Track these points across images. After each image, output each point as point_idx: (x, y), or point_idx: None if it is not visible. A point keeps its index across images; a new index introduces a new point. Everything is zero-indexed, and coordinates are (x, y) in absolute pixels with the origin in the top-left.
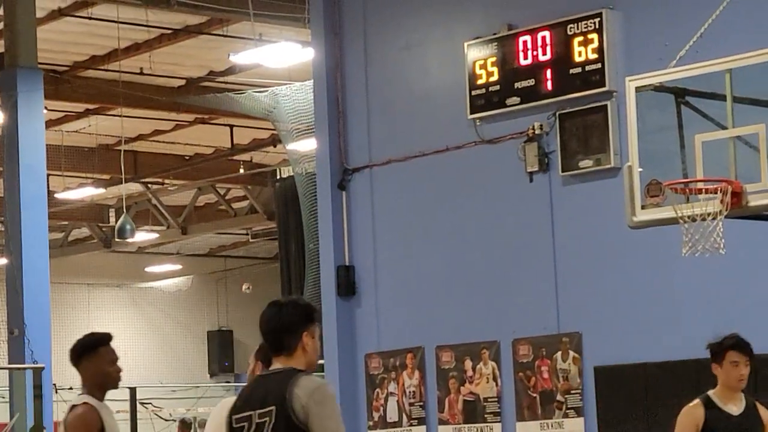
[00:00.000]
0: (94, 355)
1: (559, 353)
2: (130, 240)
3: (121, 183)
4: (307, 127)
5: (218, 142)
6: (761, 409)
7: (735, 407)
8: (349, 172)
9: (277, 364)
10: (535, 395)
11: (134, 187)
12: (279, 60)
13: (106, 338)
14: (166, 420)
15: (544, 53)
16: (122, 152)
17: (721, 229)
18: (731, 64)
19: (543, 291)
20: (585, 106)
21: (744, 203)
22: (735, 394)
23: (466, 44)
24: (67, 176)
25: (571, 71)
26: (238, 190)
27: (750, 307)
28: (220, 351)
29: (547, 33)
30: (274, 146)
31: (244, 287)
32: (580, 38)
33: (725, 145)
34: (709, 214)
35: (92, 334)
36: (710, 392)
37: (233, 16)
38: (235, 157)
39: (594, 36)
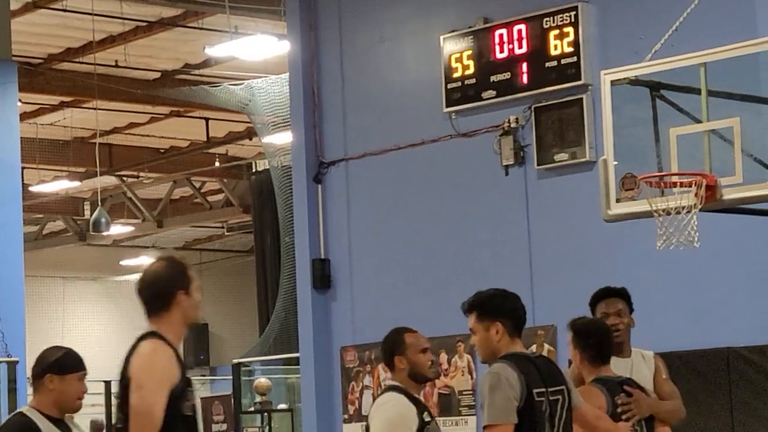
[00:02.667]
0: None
1: (534, 346)
2: (105, 233)
3: (96, 176)
4: (282, 120)
5: (194, 135)
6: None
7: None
8: (325, 166)
9: None
10: None
11: (109, 180)
12: (254, 53)
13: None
14: None
15: (520, 47)
16: (97, 145)
17: (695, 223)
18: (706, 57)
19: (518, 284)
20: (561, 99)
21: (718, 196)
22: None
23: (441, 37)
24: (41, 169)
25: (547, 65)
26: (214, 183)
27: (724, 300)
28: (196, 344)
29: (522, 26)
30: (250, 139)
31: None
32: (556, 32)
33: (700, 139)
34: (683, 208)
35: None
36: None
37: (209, 9)
38: (210, 150)
39: (570, 29)
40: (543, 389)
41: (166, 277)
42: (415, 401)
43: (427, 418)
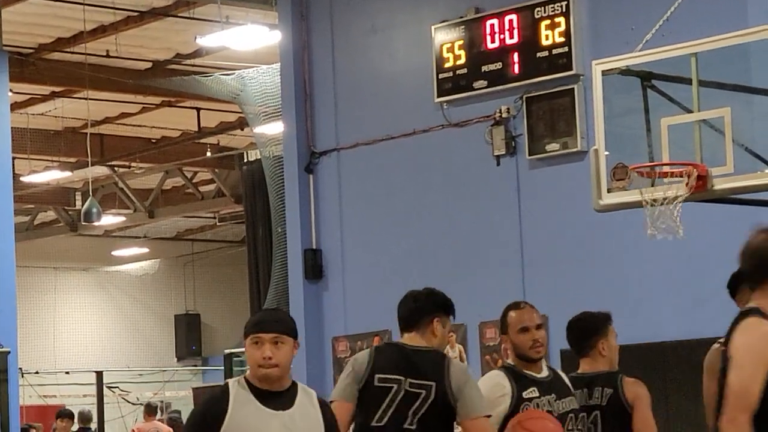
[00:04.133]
0: None
1: None
2: (96, 223)
3: (88, 166)
4: (274, 110)
5: (185, 125)
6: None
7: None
8: (316, 156)
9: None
10: None
11: (100, 171)
12: (246, 43)
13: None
14: (133, 404)
15: (511, 37)
16: (88, 135)
17: (680, 212)
18: (697, 48)
19: (510, 274)
20: (552, 89)
21: (709, 186)
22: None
23: (433, 27)
24: (32, 159)
25: (538, 55)
26: (205, 173)
27: (716, 290)
28: (188, 335)
29: (514, 16)
30: (241, 129)
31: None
32: (547, 22)
33: (691, 129)
34: (674, 198)
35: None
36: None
37: None
38: (202, 141)
39: (561, 20)
40: (396, 377)
41: None
42: (516, 378)
43: (531, 395)
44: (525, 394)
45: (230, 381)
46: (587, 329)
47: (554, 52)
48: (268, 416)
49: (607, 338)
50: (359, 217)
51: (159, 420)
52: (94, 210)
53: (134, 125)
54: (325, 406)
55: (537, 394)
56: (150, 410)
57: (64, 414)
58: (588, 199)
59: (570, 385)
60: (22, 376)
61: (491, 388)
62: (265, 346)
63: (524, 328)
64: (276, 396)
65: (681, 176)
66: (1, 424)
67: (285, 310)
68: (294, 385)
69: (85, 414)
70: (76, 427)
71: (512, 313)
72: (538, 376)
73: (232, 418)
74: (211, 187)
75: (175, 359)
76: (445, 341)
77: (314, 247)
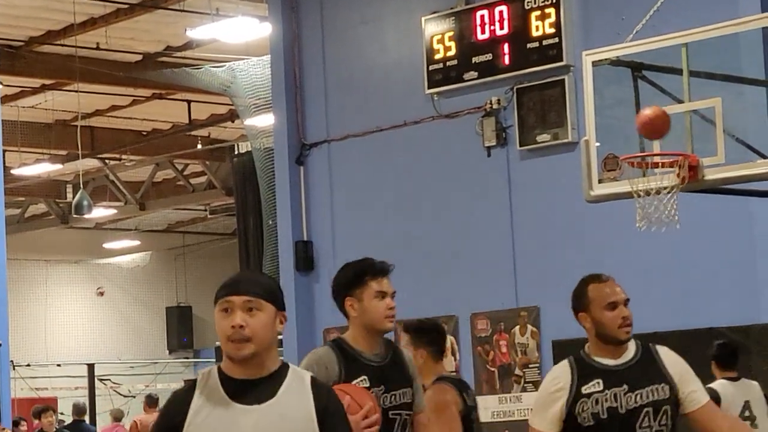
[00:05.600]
0: None
1: (518, 327)
2: (87, 216)
3: (78, 159)
4: (264, 102)
5: (176, 117)
6: None
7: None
8: (307, 147)
9: None
10: (493, 369)
11: (91, 163)
12: (236, 35)
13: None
14: (125, 396)
15: (502, 28)
16: (79, 128)
17: (676, 203)
18: (687, 38)
19: (501, 265)
20: (542, 80)
21: (700, 177)
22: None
23: (423, 19)
24: (23, 152)
25: (529, 46)
26: (196, 165)
27: (706, 280)
28: (179, 327)
29: (504, 7)
30: (232, 121)
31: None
32: (538, 13)
33: (682, 119)
34: (665, 188)
35: None
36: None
37: None
38: (192, 133)
39: (551, 10)
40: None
41: None
42: (581, 368)
43: (592, 390)
44: (585, 389)
45: (203, 372)
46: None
47: (545, 43)
48: (235, 416)
49: None
50: (350, 208)
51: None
52: (85, 202)
53: (125, 118)
54: (321, 392)
55: (600, 388)
56: (151, 402)
57: (45, 410)
58: (579, 190)
59: (666, 367)
60: (14, 369)
61: (549, 382)
62: (235, 312)
63: (612, 304)
64: (252, 386)
65: (672, 167)
66: None
67: None
68: (283, 368)
69: (79, 406)
70: (70, 419)
71: (594, 287)
72: (613, 363)
73: (190, 426)
74: (202, 179)
75: (167, 351)
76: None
77: (305, 238)
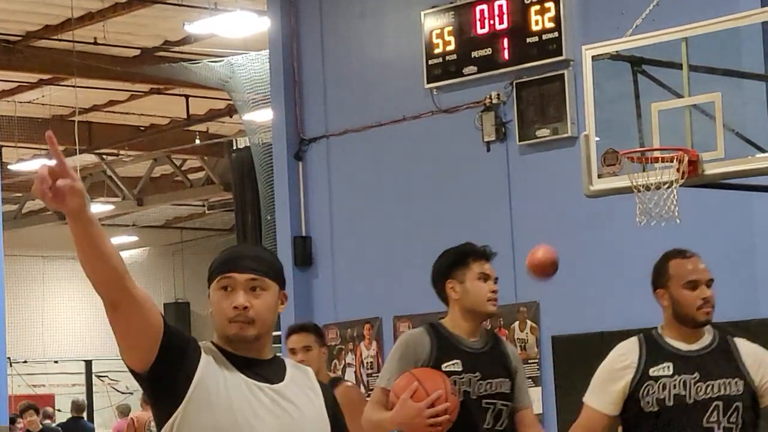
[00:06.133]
0: None
1: (517, 323)
2: None
3: (76, 154)
4: (263, 97)
5: (174, 112)
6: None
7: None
8: (306, 143)
9: None
10: None
11: (89, 159)
12: (234, 29)
13: None
14: (123, 393)
15: (501, 22)
16: (76, 123)
17: (676, 198)
18: (687, 32)
19: (500, 260)
20: (542, 75)
21: (700, 171)
22: None
23: (422, 13)
24: (20, 147)
25: (528, 40)
26: (194, 161)
27: None
28: (177, 323)
29: (504, 2)
30: (230, 117)
31: None
32: (537, 7)
33: (681, 114)
34: (665, 183)
35: None
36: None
37: None
38: (190, 128)
39: (551, 5)
40: None
41: None
42: (651, 348)
43: (660, 373)
44: (653, 371)
45: (200, 342)
46: None
47: (544, 37)
48: (249, 390)
49: None
50: (349, 203)
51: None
52: None
53: (122, 113)
54: (327, 391)
55: (669, 372)
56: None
57: (26, 408)
58: (578, 185)
59: (743, 361)
60: (11, 366)
61: (614, 358)
62: (237, 292)
63: (693, 283)
64: (257, 365)
65: (672, 161)
66: None
67: None
68: (278, 358)
69: (78, 403)
70: (68, 416)
71: (676, 262)
72: (687, 348)
73: (202, 380)
74: (200, 174)
75: None
76: None
77: (304, 234)
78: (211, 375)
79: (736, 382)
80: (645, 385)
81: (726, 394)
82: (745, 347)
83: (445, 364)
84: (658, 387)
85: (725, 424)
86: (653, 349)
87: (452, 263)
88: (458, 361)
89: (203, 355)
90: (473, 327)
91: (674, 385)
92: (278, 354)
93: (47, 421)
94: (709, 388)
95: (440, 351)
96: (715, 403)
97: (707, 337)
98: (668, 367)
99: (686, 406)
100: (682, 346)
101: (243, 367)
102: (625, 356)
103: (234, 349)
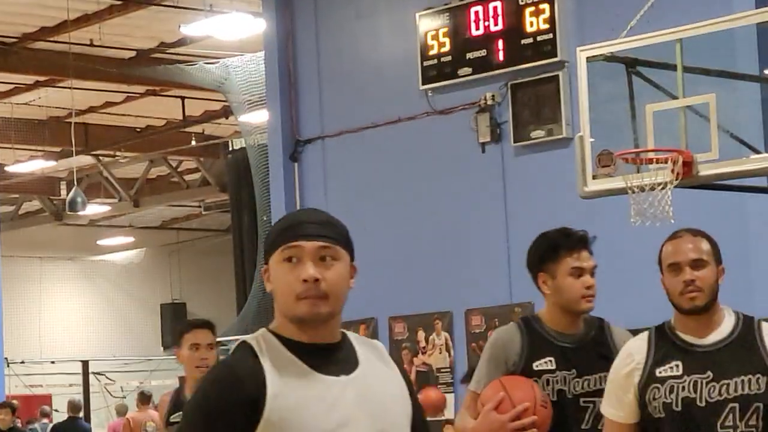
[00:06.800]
0: None
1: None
2: (81, 213)
3: (72, 155)
4: (258, 98)
5: (170, 114)
6: None
7: None
8: (301, 144)
9: None
10: None
11: (85, 160)
12: (230, 31)
13: None
14: (115, 397)
15: (496, 24)
16: (73, 124)
17: (670, 199)
18: (682, 33)
19: (495, 261)
20: (537, 76)
21: (694, 173)
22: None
23: (417, 14)
24: (17, 149)
25: (523, 42)
26: (190, 162)
27: None
28: (174, 324)
29: (498, 3)
30: (226, 118)
31: None
32: (532, 8)
33: (676, 115)
34: (659, 184)
35: None
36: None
37: None
38: (186, 129)
39: (545, 6)
40: None
41: None
42: (659, 343)
43: (666, 374)
44: (659, 372)
45: (250, 340)
46: None
47: (539, 39)
48: (327, 389)
49: None
50: (344, 205)
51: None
52: (79, 199)
53: (119, 114)
54: (400, 365)
55: (678, 373)
56: (143, 399)
57: (4, 405)
58: (573, 186)
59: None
60: (8, 366)
61: (621, 360)
62: (305, 263)
63: (674, 266)
64: (328, 353)
65: (666, 163)
66: None
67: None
68: (345, 336)
69: (75, 403)
70: (65, 416)
71: (665, 245)
72: (699, 341)
73: (276, 406)
74: (196, 175)
75: (161, 348)
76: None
77: None
78: (283, 391)
79: (758, 380)
80: (651, 388)
81: (744, 394)
82: None
83: (537, 363)
84: (666, 390)
85: (742, 429)
86: (662, 345)
87: (543, 256)
88: (551, 358)
89: (266, 372)
90: (570, 320)
91: (683, 387)
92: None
93: (45, 421)
94: (724, 388)
95: (531, 349)
96: (730, 405)
97: (726, 327)
98: (677, 366)
99: (698, 410)
100: (695, 340)
101: (315, 361)
102: (631, 357)
103: (302, 332)
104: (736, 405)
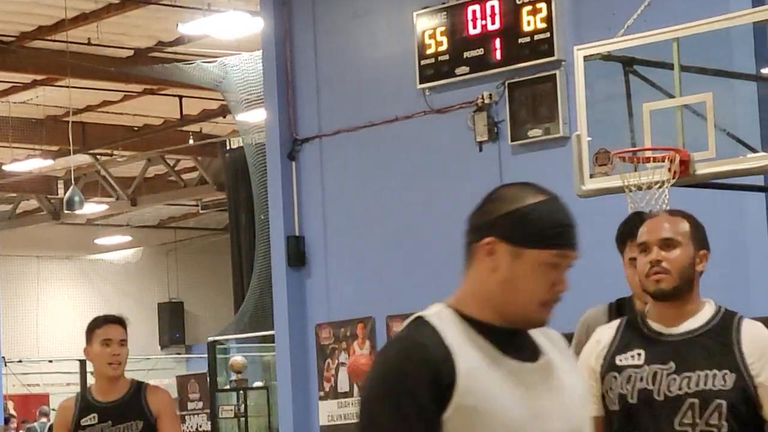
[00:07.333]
0: None
1: None
2: (78, 212)
3: (70, 154)
4: (256, 97)
5: (167, 112)
6: None
7: None
8: (299, 143)
9: None
10: None
11: (83, 159)
12: (228, 30)
13: None
14: None
15: (493, 23)
16: (70, 123)
17: (667, 197)
18: (679, 32)
19: None
20: (534, 75)
21: (691, 171)
22: None
23: (415, 13)
24: (14, 148)
25: (520, 41)
26: (188, 161)
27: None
28: (171, 323)
29: (495, 2)
30: (224, 117)
31: None
32: (529, 7)
33: (673, 114)
34: (656, 183)
35: None
36: None
37: None
38: (184, 128)
39: (542, 5)
40: None
41: None
42: (624, 329)
43: (627, 362)
44: (619, 360)
45: (428, 316)
46: None
47: (536, 38)
48: (521, 373)
49: None
50: (342, 203)
51: None
52: (77, 198)
53: (116, 113)
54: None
55: (639, 362)
56: None
57: None
58: (570, 185)
59: (741, 349)
60: (5, 365)
61: (590, 346)
62: (563, 272)
63: (642, 245)
64: (513, 337)
65: (663, 161)
66: None
67: (269, 297)
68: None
69: None
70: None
71: (642, 226)
72: (667, 330)
73: (469, 389)
74: (194, 174)
75: (159, 347)
76: None
77: (297, 233)
78: (475, 379)
79: (724, 376)
80: (608, 377)
81: (706, 389)
82: (752, 332)
83: (625, 354)
84: (622, 380)
85: (702, 427)
86: (628, 334)
87: (618, 239)
88: (640, 351)
89: (455, 355)
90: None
91: (641, 378)
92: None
93: (43, 420)
94: (685, 381)
95: (623, 333)
96: (690, 400)
97: (700, 319)
98: (639, 354)
99: (654, 404)
100: (662, 329)
101: (501, 344)
102: (599, 343)
103: (497, 315)
104: (696, 401)
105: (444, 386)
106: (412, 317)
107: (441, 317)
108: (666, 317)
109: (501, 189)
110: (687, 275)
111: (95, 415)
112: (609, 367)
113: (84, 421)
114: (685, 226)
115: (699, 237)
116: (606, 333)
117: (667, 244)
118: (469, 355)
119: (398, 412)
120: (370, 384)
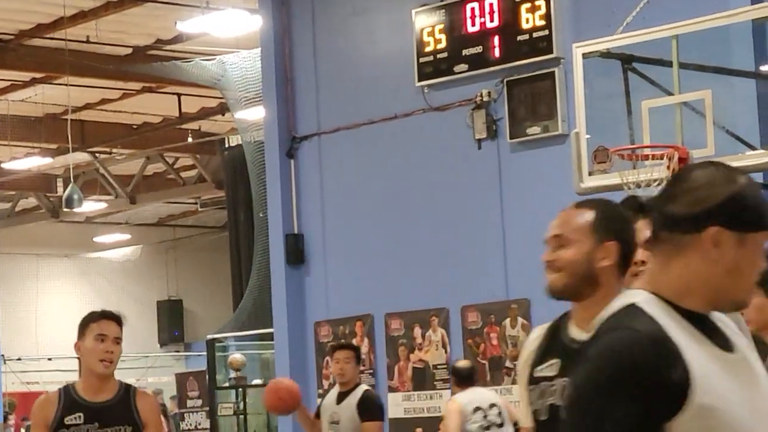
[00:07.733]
0: None
1: (508, 320)
2: (78, 210)
3: (69, 152)
4: (255, 95)
5: (166, 110)
6: None
7: None
8: (298, 140)
9: None
10: (484, 362)
11: (82, 157)
12: (226, 28)
13: None
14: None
15: (492, 20)
16: (69, 121)
17: None
18: (677, 30)
19: (492, 257)
20: (533, 72)
21: None
22: None
23: (413, 11)
24: (13, 146)
25: (519, 38)
26: (187, 159)
27: None
28: (170, 320)
29: (494, 0)
30: (223, 115)
31: None
32: (528, 5)
33: (672, 111)
34: (655, 180)
35: None
36: None
37: None
38: (183, 126)
39: (541, 3)
40: None
41: None
42: (552, 331)
43: (542, 373)
44: (537, 370)
45: (643, 304)
46: None
47: (535, 35)
48: (737, 367)
49: None
50: (341, 201)
51: None
52: (76, 196)
53: (115, 111)
54: None
55: (552, 373)
56: None
57: None
58: (569, 182)
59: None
60: (5, 363)
61: (521, 358)
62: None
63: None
64: (708, 322)
65: (662, 159)
66: None
67: (267, 295)
68: None
69: None
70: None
71: None
72: (582, 336)
73: (707, 389)
74: (193, 172)
75: (158, 345)
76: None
77: (296, 231)
78: (705, 376)
79: None
80: (529, 391)
81: None
82: None
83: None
84: (536, 394)
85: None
86: (548, 342)
87: None
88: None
89: (683, 353)
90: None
91: (553, 392)
92: None
93: None
94: None
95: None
96: None
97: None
98: (554, 365)
99: (561, 421)
100: (578, 334)
101: (707, 334)
102: (526, 349)
103: (708, 305)
104: None
105: (679, 386)
106: (620, 304)
107: (654, 305)
108: (580, 320)
109: (695, 173)
110: (583, 272)
111: (81, 414)
112: (529, 380)
113: (68, 420)
114: (585, 218)
115: (606, 228)
116: (532, 340)
117: (558, 240)
118: (691, 347)
119: (627, 413)
120: (595, 379)
